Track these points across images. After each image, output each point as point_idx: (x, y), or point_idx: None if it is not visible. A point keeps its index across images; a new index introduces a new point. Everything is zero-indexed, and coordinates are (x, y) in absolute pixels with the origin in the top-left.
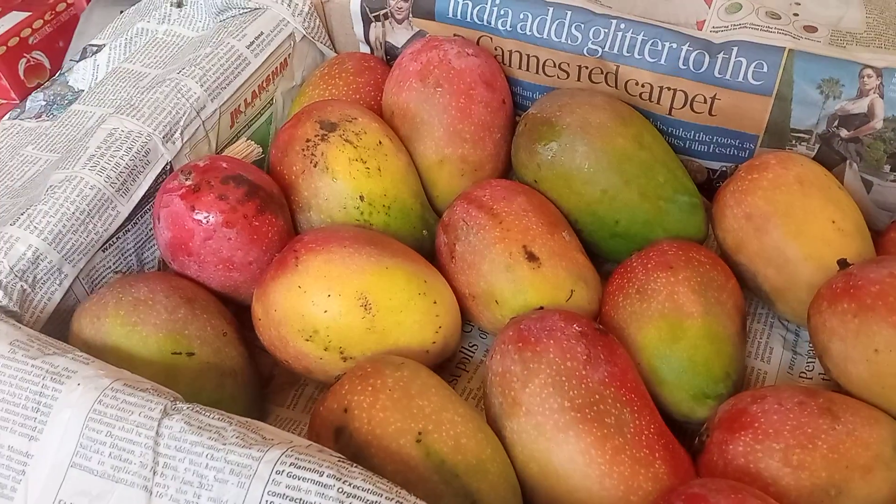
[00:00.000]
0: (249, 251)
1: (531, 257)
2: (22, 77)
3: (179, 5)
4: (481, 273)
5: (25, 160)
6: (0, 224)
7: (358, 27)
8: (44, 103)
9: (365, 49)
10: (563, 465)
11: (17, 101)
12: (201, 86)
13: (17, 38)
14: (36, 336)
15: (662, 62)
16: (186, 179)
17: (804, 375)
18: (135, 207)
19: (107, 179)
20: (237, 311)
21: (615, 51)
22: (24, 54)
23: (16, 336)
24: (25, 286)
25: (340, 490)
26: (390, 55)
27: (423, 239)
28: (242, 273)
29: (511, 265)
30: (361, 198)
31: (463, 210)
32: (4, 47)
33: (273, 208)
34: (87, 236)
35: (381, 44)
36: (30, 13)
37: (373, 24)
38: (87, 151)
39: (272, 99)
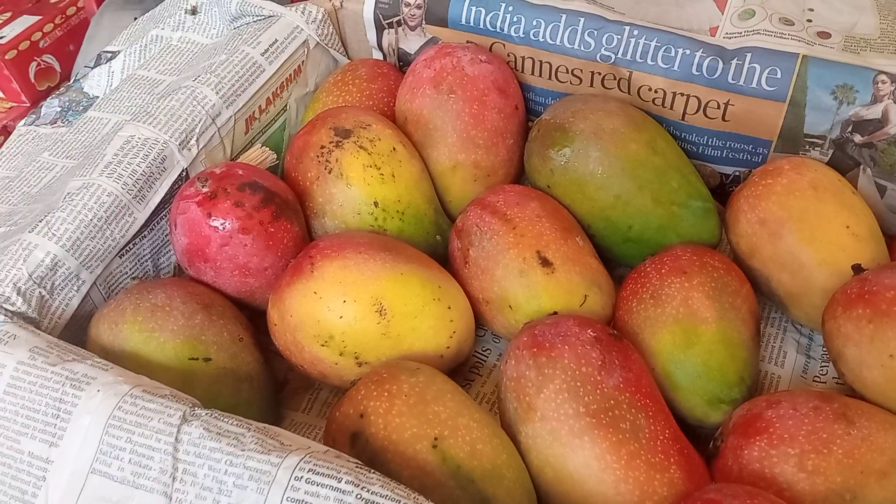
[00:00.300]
0: (265, 257)
1: (545, 262)
2: (32, 80)
3: (194, 12)
4: (495, 278)
5: (41, 166)
6: (18, 231)
7: (371, 34)
8: (59, 109)
9: (378, 56)
10: (578, 471)
11: (28, 105)
12: (217, 93)
13: (28, 42)
14: (55, 342)
15: (675, 68)
16: (203, 186)
17: (818, 380)
18: (151, 214)
19: (124, 186)
20: (252, 317)
21: (628, 57)
22: (35, 58)
23: (35, 342)
24: (44, 292)
25: (359, 496)
26: (403, 62)
27: (437, 244)
28: (258, 279)
29: (525, 270)
30: (375, 204)
31: (476, 215)
32: (15, 51)
33: (288, 214)
34: (104, 243)
35: (393, 50)
36: (40, 17)
37: (386, 31)
38: (104, 159)
39: (286, 105)
